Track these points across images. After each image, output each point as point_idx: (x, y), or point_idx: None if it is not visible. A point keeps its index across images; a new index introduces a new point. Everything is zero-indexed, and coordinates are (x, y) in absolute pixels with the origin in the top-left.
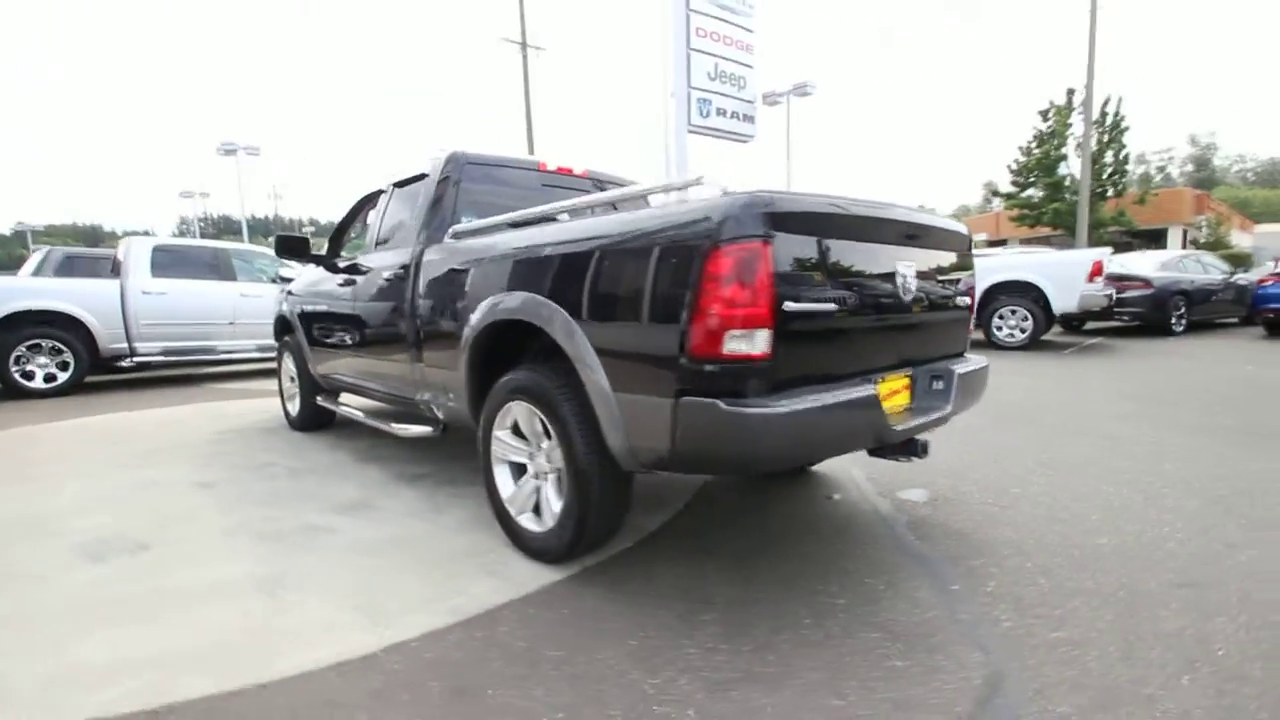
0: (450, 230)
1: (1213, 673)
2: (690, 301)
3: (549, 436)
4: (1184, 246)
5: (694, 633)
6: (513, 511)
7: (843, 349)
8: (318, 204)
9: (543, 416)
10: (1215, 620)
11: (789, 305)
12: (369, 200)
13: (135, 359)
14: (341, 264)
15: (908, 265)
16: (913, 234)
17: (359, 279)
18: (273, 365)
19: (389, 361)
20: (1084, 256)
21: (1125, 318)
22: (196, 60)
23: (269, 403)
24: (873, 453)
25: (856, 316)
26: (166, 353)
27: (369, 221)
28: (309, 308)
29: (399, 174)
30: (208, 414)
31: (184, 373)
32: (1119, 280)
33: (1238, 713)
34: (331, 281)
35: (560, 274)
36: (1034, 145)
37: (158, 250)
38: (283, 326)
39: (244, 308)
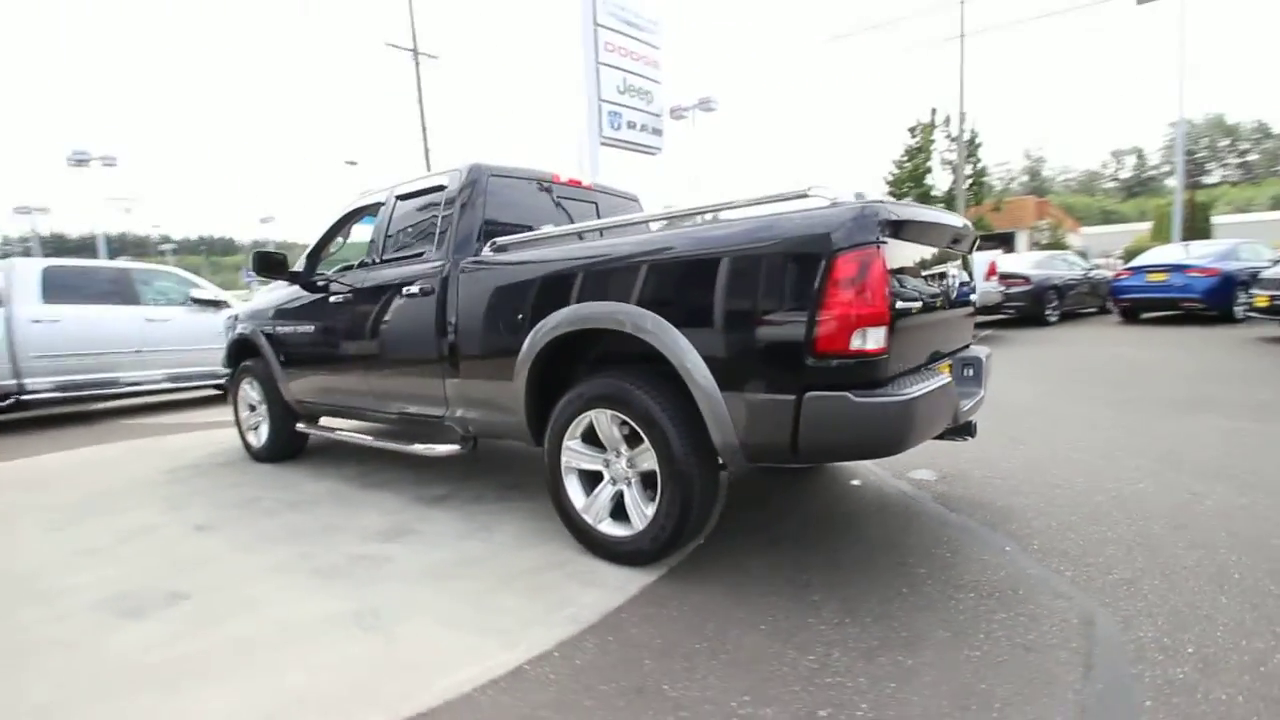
0: (490, 243)
1: (1240, 593)
2: (815, 303)
3: (630, 442)
4: (1029, 248)
5: (816, 612)
6: (590, 520)
7: (918, 342)
8: (171, 218)
9: (631, 421)
10: (1219, 552)
11: (898, 304)
12: (353, 215)
13: (24, 396)
14: (328, 281)
15: (954, 265)
16: (957, 237)
17: (360, 296)
18: (186, 396)
19: (407, 379)
20: (981, 258)
21: (1010, 310)
22: (37, 66)
23: (210, 435)
24: (939, 435)
25: (927, 312)
26: (62, 388)
27: (372, 237)
28: (284, 329)
29: (401, 186)
30: (142, 451)
31: (74, 410)
32: (1005, 278)
33: (1275, 620)
34: (316, 299)
35: (657, 282)
36: (905, 159)
37: (49, 271)
38: (240, 351)
39: (151, 334)
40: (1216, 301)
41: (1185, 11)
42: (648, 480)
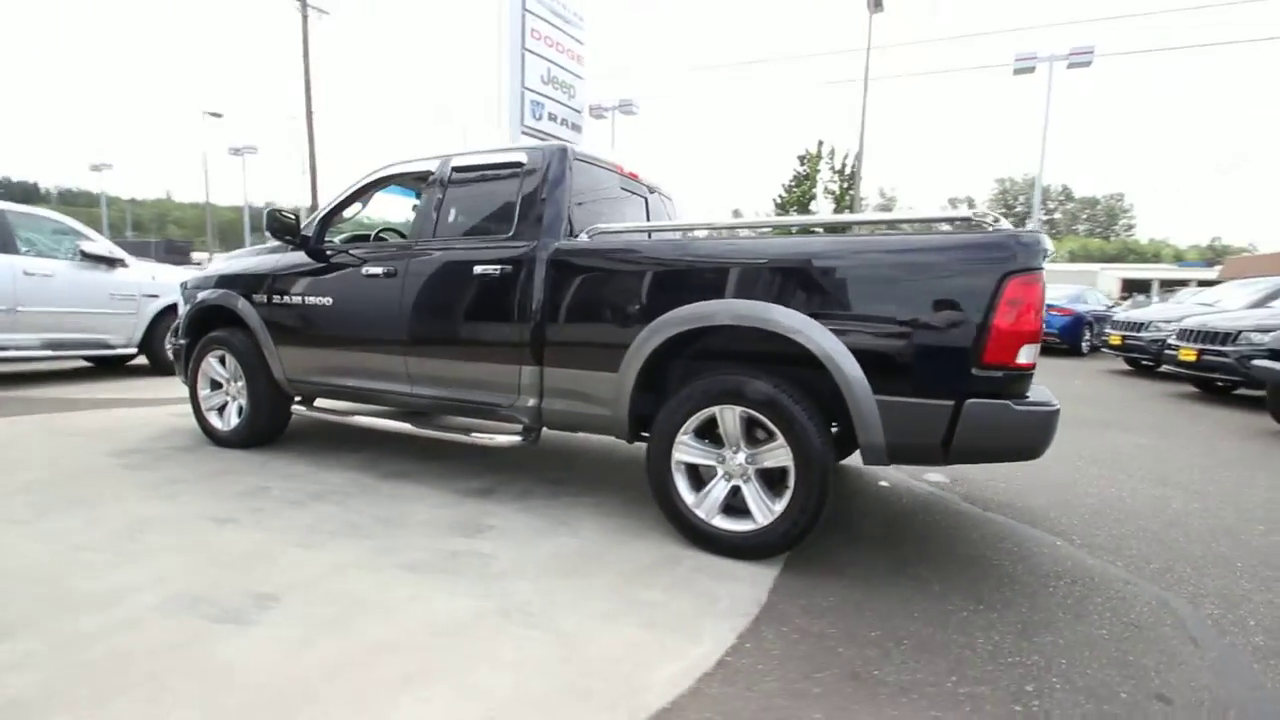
0: (588, 230)
1: (1260, 574)
2: (986, 318)
3: (750, 439)
4: None
5: (947, 600)
6: (702, 515)
7: None
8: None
9: (763, 418)
10: (1221, 542)
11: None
12: (380, 183)
13: None
14: (359, 252)
15: None
16: None
17: (406, 272)
18: (67, 366)
19: (467, 364)
20: None
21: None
22: None
23: (129, 414)
24: None
25: None
26: None
27: (420, 209)
28: (281, 300)
29: (457, 157)
30: (56, 431)
31: None
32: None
33: None
34: (335, 271)
35: (814, 286)
36: (794, 184)
37: None
38: (203, 321)
39: (28, 291)
40: (1069, 337)
41: (1052, 83)
42: (764, 476)
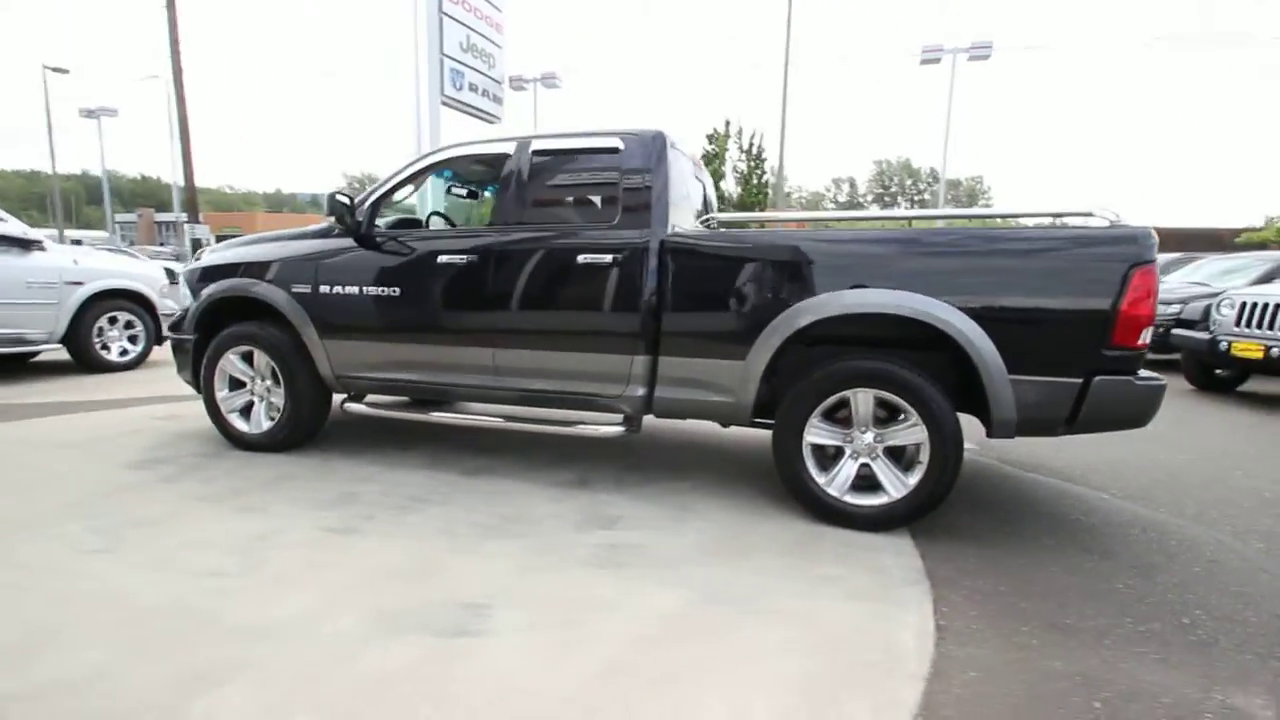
0: (707, 220)
1: (1267, 510)
2: (1115, 305)
3: (878, 419)
4: None
5: (1064, 552)
6: (834, 493)
7: None
8: None
9: (901, 400)
10: (1217, 489)
11: None
12: (438, 166)
13: None
14: (427, 238)
15: None
16: None
17: (493, 260)
18: None
19: (571, 354)
20: None
21: None
22: None
23: (98, 421)
24: None
25: None
26: None
27: (499, 192)
28: (334, 289)
29: (537, 140)
30: (22, 443)
31: None
32: None
33: None
34: (400, 259)
35: (952, 274)
36: (704, 163)
37: None
38: (214, 314)
39: None
40: None
41: (955, 76)
42: (890, 453)
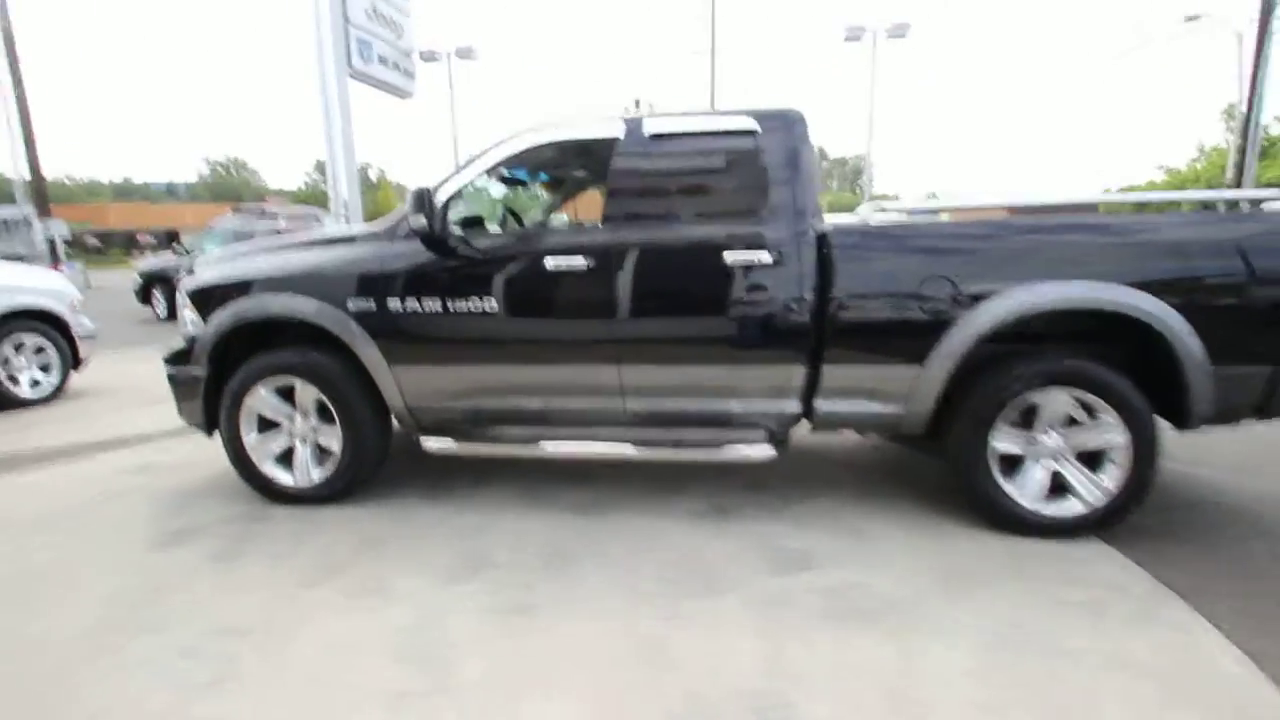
0: (878, 207)
1: None
2: None
3: (1073, 421)
4: None
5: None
6: (1027, 503)
7: None
8: None
9: (1100, 400)
10: (1234, 455)
11: None
12: (521, 157)
13: None
14: (527, 240)
15: None
16: None
17: (610, 265)
18: None
19: (715, 368)
20: None
21: None
22: None
23: (55, 481)
24: None
25: None
26: None
27: (611, 185)
28: (406, 305)
29: (652, 122)
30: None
31: None
32: None
33: None
34: (491, 268)
35: (1150, 265)
36: None
37: None
38: (224, 345)
39: None
40: None
41: (876, 55)
42: (1081, 456)
